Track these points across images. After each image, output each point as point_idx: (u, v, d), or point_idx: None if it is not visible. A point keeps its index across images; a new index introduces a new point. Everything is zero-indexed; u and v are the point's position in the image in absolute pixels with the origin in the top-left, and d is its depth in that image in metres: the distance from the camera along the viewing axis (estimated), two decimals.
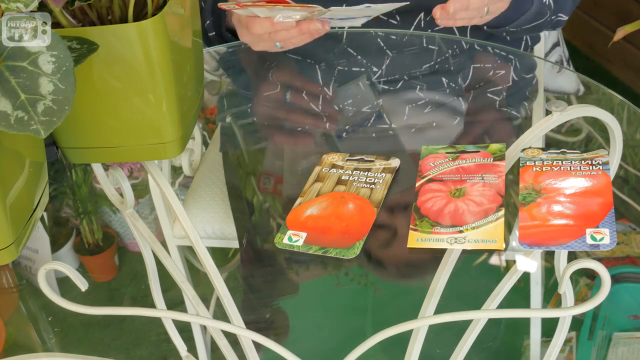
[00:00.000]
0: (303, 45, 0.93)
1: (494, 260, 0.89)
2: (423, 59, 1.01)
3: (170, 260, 0.77)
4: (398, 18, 1.01)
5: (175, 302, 0.88)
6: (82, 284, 0.65)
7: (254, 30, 0.90)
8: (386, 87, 1.00)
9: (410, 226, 0.69)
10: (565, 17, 1.01)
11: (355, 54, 1.02)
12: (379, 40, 1.02)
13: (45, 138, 0.54)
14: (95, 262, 1.56)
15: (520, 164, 0.74)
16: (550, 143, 0.93)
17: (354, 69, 1.01)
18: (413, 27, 1.02)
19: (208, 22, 1.04)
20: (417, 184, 0.74)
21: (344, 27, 1.01)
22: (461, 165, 0.76)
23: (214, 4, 1.04)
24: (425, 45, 1.02)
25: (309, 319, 1.03)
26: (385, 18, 1.01)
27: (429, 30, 1.02)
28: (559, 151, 0.76)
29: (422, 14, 1.01)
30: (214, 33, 1.06)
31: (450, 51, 1.01)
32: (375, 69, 1.01)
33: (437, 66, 1.01)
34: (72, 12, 0.67)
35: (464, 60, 1.01)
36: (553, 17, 1.00)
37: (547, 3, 0.97)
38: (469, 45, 1.02)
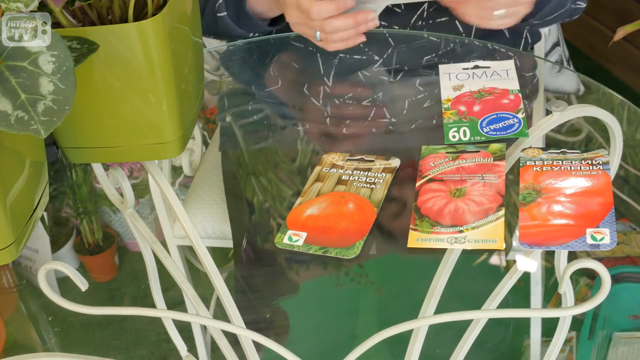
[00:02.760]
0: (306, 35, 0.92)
1: (494, 260, 0.89)
2: (425, 51, 1.01)
3: (170, 260, 0.77)
4: (402, 7, 1.01)
5: (176, 302, 0.88)
6: (82, 284, 0.65)
7: (312, 14, 0.88)
8: (385, 78, 1.00)
9: (410, 226, 0.69)
10: (583, 5, 1.01)
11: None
12: (381, 28, 1.02)
13: (46, 138, 0.54)
14: (95, 262, 1.57)
15: (521, 164, 0.74)
16: (550, 143, 0.93)
17: (355, 56, 1.01)
18: (416, 16, 1.02)
19: (220, 1, 1.02)
20: (417, 184, 0.74)
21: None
22: (461, 165, 0.76)
23: None
24: (427, 37, 1.02)
25: (309, 319, 1.03)
26: (390, 6, 1.01)
27: (430, 22, 1.02)
28: (559, 151, 0.76)
29: (425, 5, 1.01)
30: (224, 14, 1.02)
31: (452, 44, 1.01)
32: (376, 58, 1.00)
33: (436, 59, 1.01)
34: (72, 12, 0.67)
35: (464, 57, 1.01)
36: (572, 5, 0.99)
37: None
38: (469, 42, 1.02)
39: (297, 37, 0.99)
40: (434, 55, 1.01)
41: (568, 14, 1.01)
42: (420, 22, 1.02)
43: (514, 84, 0.86)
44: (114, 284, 1.49)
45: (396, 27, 1.02)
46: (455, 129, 0.80)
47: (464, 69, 0.91)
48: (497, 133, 0.79)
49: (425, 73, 1.00)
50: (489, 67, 0.90)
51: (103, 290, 1.43)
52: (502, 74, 0.89)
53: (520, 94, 0.84)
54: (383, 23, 1.03)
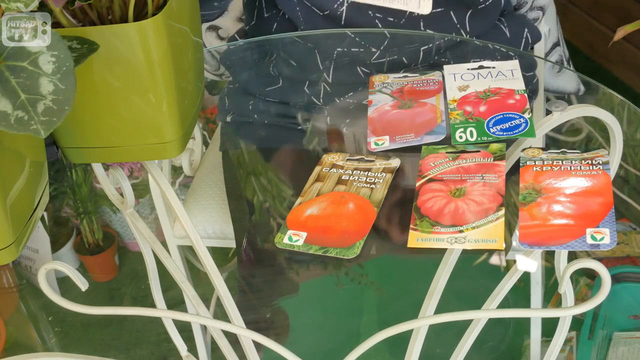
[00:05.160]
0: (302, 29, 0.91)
1: (494, 260, 0.89)
2: (422, 41, 1.01)
3: (170, 260, 0.77)
4: None
5: (176, 301, 0.88)
6: (83, 284, 0.65)
7: None
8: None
9: (411, 226, 0.69)
10: None
11: (353, 36, 1.01)
12: (377, 21, 1.02)
13: (46, 138, 0.54)
14: (95, 262, 1.57)
15: (521, 164, 0.74)
16: (550, 143, 0.93)
17: (352, 49, 1.01)
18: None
19: None
20: (417, 184, 0.74)
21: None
22: (461, 165, 0.76)
23: None
24: (423, 29, 1.01)
25: (309, 319, 1.03)
26: None
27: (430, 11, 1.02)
28: (559, 151, 0.76)
29: None
30: None
31: (448, 36, 1.01)
32: (373, 50, 1.00)
33: (436, 57, 1.00)
34: (72, 11, 0.67)
35: (463, 55, 1.01)
36: None
37: None
38: (469, 42, 1.02)
39: (297, 36, 0.99)
40: (430, 45, 1.00)
41: None
42: (415, 13, 1.02)
43: (519, 84, 0.86)
44: (114, 284, 1.49)
45: (391, 19, 1.02)
46: (462, 129, 0.80)
47: (468, 69, 0.91)
48: (504, 133, 0.79)
49: (424, 67, 0.99)
50: (493, 67, 0.90)
51: (103, 290, 1.43)
52: (507, 74, 0.89)
53: (526, 94, 0.84)
54: (378, 15, 1.03)
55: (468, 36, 1.03)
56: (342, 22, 1.02)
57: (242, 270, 1.00)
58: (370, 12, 1.02)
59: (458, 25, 1.03)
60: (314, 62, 1.00)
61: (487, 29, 1.06)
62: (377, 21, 1.01)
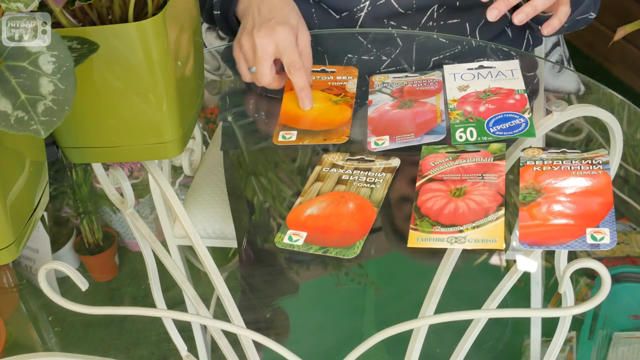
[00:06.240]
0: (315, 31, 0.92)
1: (494, 260, 0.89)
2: (431, 51, 1.01)
3: (170, 260, 0.77)
4: (414, 7, 1.02)
5: (176, 301, 0.88)
6: (83, 284, 0.65)
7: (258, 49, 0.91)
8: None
9: (411, 226, 0.69)
10: (594, 16, 1.01)
11: (365, 42, 1.02)
12: (391, 30, 1.02)
13: (46, 138, 0.54)
14: (95, 262, 1.57)
15: (521, 164, 0.74)
16: (550, 143, 0.93)
17: (363, 57, 1.01)
18: (426, 17, 1.02)
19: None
20: (418, 184, 0.74)
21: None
22: (461, 165, 0.76)
23: None
24: (435, 37, 1.02)
25: (309, 319, 1.03)
26: (402, 11, 1.01)
27: (441, 23, 1.02)
28: (559, 151, 0.76)
29: (435, 6, 1.01)
30: (219, 12, 1.04)
31: (459, 47, 1.01)
32: (384, 58, 1.00)
33: (442, 60, 1.01)
34: (73, 12, 0.67)
35: (468, 57, 1.01)
36: (587, 15, 0.99)
37: None
38: (475, 43, 1.03)
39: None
40: (441, 56, 1.01)
41: (584, 22, 1.01)
42: (430, 23, 1.02)
43: (519, 84, 0.86)
44: (114, 284, 1.49)
45: (405, 28, 1.02)
46: (462, 129, 0.80)
47: (468, 69, 0.91)
48: (504, 133, 0.79)
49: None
50: (493, 67, 0.90)
51: (103, 290, 1.43)
52: (507, 74, 0.89)
53: (526, 94, 0.84)
54: (392, 23, 1.03)
55: (475, 43, 1.03)
56: (357, 28, 1.03)
57: (242, 270, 1.00)
58: (385, 21, 1.03)
59: (469, 37, 1.03)
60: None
61: (495, 34, 1.06)
62: (391, 29, 1.02)
